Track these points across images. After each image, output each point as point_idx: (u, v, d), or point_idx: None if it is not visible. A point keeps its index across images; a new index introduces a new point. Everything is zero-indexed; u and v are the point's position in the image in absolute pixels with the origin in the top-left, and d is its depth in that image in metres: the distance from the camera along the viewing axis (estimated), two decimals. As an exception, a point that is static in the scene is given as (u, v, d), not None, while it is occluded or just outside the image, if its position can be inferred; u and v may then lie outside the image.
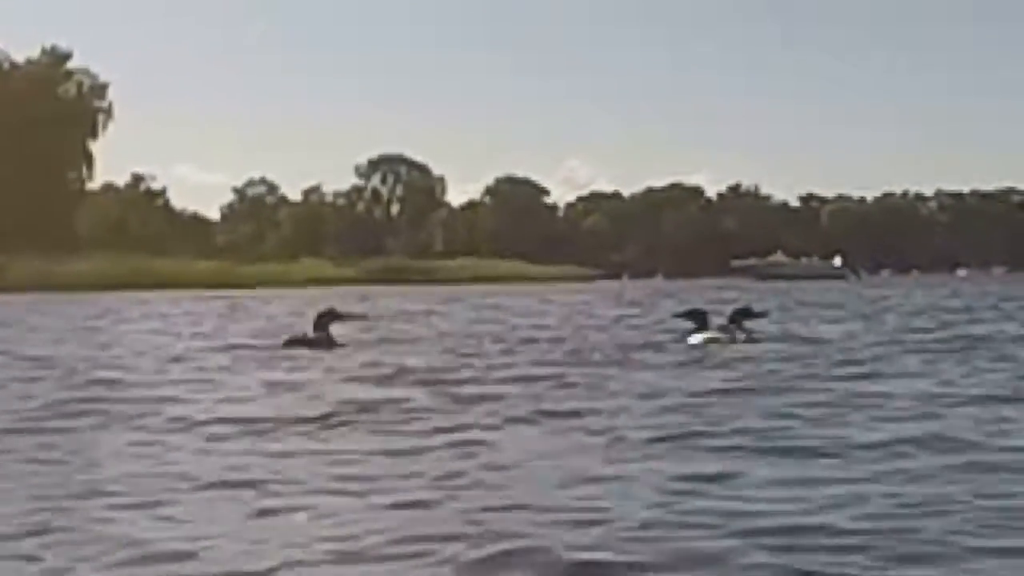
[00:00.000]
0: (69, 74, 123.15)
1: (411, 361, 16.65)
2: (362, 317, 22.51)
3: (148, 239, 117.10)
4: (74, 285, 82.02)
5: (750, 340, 19.07)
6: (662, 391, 12.34)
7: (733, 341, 18.81)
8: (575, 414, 10.61)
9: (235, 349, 20.30)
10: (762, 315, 20.83)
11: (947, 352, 17.39)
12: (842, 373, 14.23)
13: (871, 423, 9.86)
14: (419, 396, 12.27)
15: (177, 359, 18.39)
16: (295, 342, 19.54)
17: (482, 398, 11.94)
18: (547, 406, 11.22)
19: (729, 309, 20.86)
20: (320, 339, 19.35)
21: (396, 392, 12.69)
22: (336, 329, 19.88)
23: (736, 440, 8.96)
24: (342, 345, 19.50)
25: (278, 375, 15.16)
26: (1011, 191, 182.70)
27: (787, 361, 16.01)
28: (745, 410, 10.77)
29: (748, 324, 19.78)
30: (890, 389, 12.26)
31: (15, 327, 31.45)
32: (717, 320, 20.01)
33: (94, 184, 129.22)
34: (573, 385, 13.22)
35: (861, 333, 22.70)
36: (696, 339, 18.92)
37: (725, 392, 12.23)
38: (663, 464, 8.01)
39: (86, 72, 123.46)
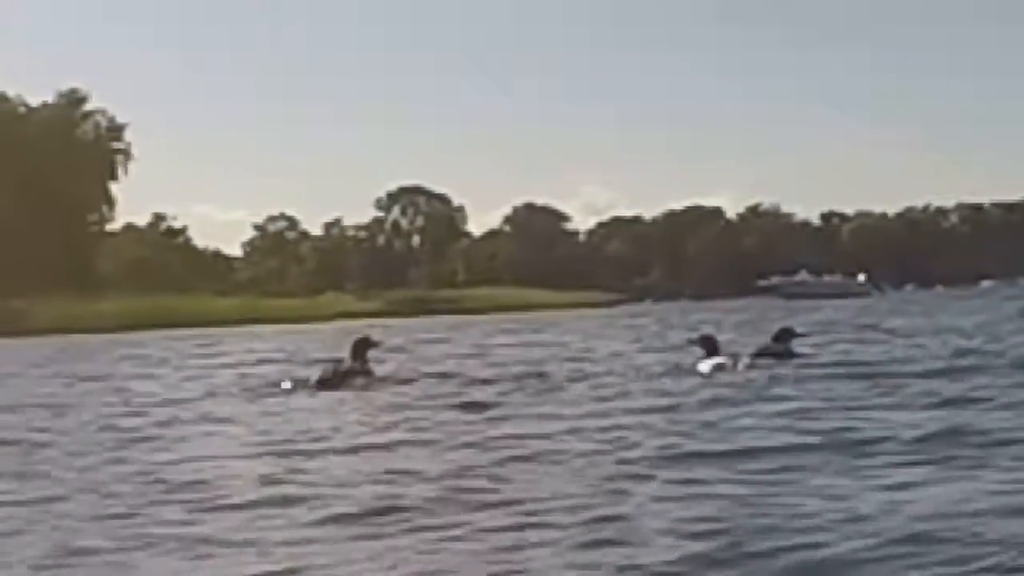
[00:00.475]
0: (87, 116, 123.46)
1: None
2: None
3: (170, 278, 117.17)
4: (97, 327, 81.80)
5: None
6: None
7: (735, 368, 18.59)
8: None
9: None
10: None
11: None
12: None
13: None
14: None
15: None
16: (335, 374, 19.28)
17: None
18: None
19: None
20: (358, 368, 19.31)
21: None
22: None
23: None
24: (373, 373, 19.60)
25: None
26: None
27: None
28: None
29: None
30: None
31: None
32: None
33: (115, 225, 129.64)
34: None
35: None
36: (705, 366, 18.74)
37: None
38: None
39: (103, 113, 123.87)
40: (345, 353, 19.97)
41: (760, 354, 19.42)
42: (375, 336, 21.28)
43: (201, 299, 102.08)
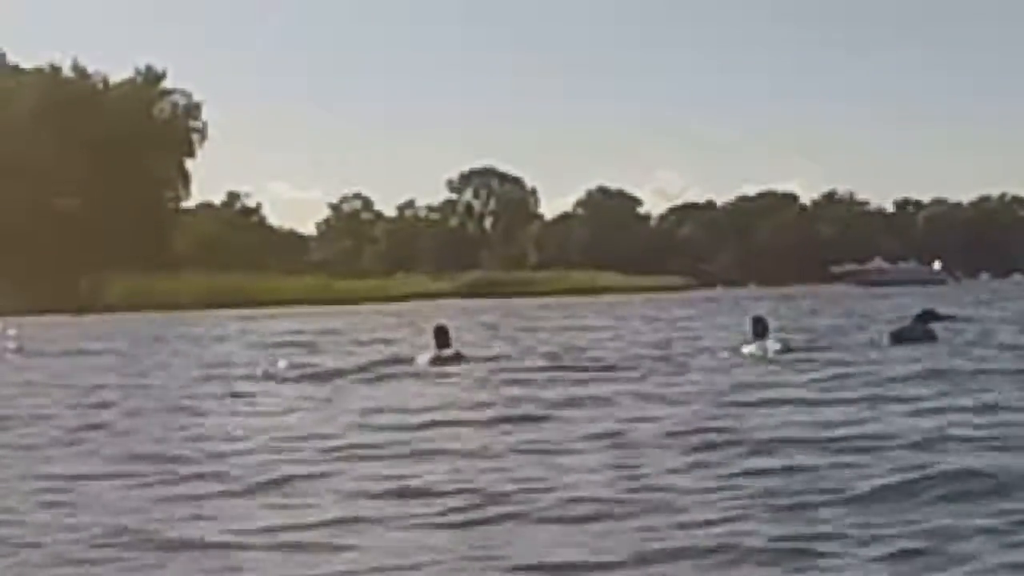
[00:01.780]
0: (164, 93, 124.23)
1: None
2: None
3: (244, 256, 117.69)
4: (171, 304, 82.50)
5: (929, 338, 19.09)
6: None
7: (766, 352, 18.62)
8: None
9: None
10: (950, 318, 20.74)
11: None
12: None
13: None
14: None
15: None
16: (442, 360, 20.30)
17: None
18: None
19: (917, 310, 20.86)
20: (458, 353, 20.50)
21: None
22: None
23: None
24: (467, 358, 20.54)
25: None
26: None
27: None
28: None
29: (934, 325, 19.71)
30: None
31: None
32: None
33: (190, 203, 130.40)
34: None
35: None
36: (748, 349, 18.80)
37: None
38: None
39: (180, 91, 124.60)
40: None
41: (900, 336, 19.37)
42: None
43: (274, 278, 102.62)
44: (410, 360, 20.70)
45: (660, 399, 13.69)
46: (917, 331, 19.75)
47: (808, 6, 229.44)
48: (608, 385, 15.69)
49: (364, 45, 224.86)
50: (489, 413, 13.01)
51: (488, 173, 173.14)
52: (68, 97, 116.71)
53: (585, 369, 17.67)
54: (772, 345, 19.04)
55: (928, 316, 20.12)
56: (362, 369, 20.03)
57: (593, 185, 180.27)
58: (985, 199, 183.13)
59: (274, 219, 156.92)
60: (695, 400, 13.45)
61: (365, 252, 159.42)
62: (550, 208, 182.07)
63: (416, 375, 18.69)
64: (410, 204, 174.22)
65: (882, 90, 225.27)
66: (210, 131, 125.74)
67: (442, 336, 20.48)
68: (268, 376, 19.61)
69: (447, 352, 20.25)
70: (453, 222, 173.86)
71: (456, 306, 72.58)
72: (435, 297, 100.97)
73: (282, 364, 21.06)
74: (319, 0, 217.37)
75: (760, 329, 19.66)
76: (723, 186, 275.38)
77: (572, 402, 13.64)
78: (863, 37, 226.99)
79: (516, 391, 15.27)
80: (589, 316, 44.35)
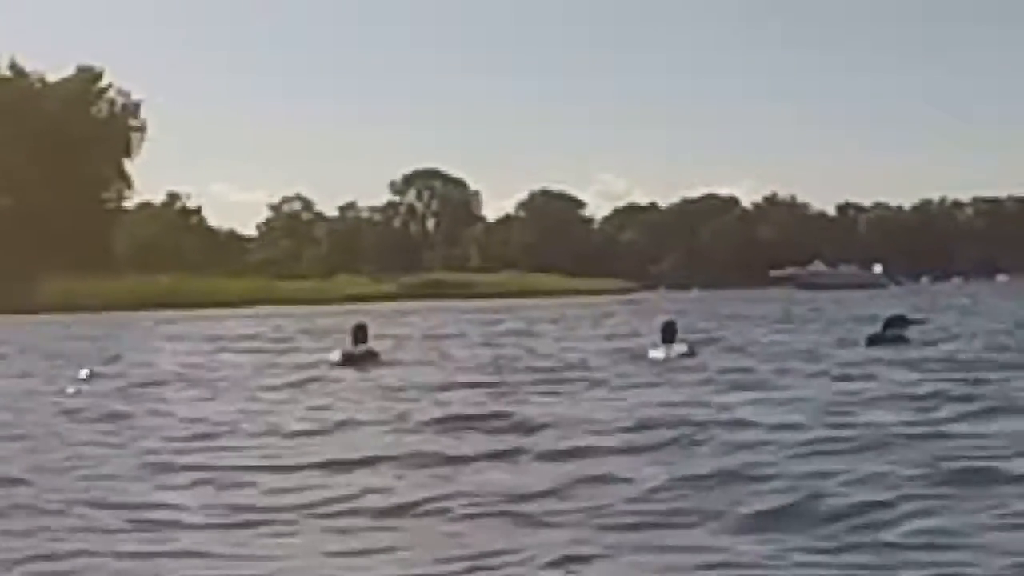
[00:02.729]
0: (102, 92, 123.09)
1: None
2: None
3: (184, 257, 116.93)
4: (108, 305, 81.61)
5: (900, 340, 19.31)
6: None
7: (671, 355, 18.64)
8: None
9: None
10: (919, 322, 20.97)
11: None
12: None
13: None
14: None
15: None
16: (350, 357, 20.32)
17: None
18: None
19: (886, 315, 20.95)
20: (368, 351, 20.50)
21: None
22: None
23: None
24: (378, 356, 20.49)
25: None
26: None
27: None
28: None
29: (901, 331, 19.83)
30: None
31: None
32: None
33: (130, 203, 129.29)
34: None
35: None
36: (654, 353, 19.34)
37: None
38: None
39: (119, 91, 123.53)
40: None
41: (874, 340, 19.62)
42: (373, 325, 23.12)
43: (213, 280, 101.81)
44: (315, 364, 20.54)
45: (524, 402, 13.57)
46: (890, 335, 20.06)
47: (752, 10, 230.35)
48: (470, 391, 15.66)
49: (307, 46, 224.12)
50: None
51: (431, 175, 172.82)
52: (5, 96, 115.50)
53: (489, 376, 17.36)
54: (678, 348, 19.14)
55: (898, 321, 20.28)
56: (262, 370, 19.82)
57: (536, 187, 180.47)
58: (926, 203, 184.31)
59: (216, 220, 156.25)
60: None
61: (306, 253, 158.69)
62: (493, 210, 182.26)
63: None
64: (352, 205, 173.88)
65: (824, 94, 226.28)
66: (152, 132, 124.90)
67: (360, 334, 20.61)
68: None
69: (360, 349, 20.31)
70: (396, 223, 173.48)
71: (395, 308, 72.17)
72: (376, 299, 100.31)
73: (83, 373, 20.72)
74: (262, 4, 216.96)
75: (669, 333, 19.45)
76: (666, 189, 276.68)
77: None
78: (805, 40, 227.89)
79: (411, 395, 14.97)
80: (509, 320, 43.90)
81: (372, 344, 21.29)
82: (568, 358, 20.88)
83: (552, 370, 18.49)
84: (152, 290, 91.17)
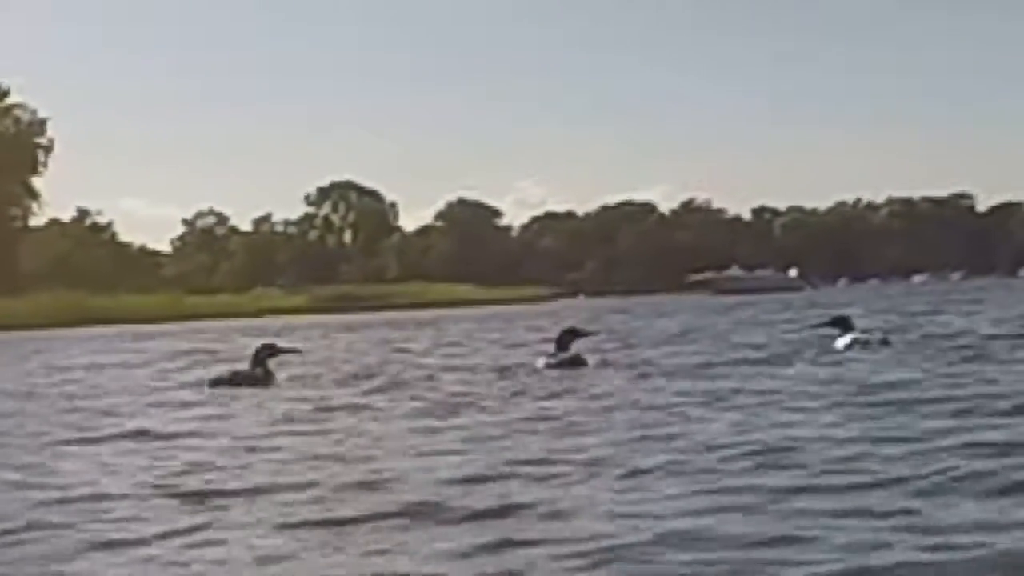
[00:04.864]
0: (7, 110, 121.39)
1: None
2: (297, 351, 21.64)
3: (95, 274, 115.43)
4: (16, 324, 79.94)
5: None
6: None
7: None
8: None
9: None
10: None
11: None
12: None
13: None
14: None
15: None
16: (231, 379, 18.82)
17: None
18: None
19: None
20: (257, 375, 18.78)
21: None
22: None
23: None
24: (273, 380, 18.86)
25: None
26: (961, 196, 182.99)
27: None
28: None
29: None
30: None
31: None
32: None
33: (39, 220, 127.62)
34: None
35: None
36: (540, 361, 18.61)
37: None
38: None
39: (25, 108, 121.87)
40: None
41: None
42: (282, 343, 20.91)
43: (123, 296, 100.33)
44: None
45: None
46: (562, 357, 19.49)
47: (664, 14, 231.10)
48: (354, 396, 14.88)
49: (217, 59, 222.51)
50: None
51: (346, 187, 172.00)
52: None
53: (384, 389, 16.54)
54: (563, 356, 18.44)
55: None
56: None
57: (453, 197, 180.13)
58: (841, 205, 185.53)
59: (130, 236, 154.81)
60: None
61: (221, 268, 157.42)
62: (411, 220, 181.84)
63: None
64: (266, 219, 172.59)
65: (738, 97, 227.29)
66: (64, 148, 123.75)
67: (263, 353, 19.48)
68: None
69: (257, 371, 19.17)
70: (312, 236, 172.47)
71: (307, 322, 71.21)
72: (290, 312, 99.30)
73: None
74: (169, 15, 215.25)
75: (566, 341, 18.95)
76: (584, 196, 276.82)
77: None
78: (717, 45, 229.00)
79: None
80: (418, 333, 43.01)
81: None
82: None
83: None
84: (59, 307, 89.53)
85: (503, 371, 18.48)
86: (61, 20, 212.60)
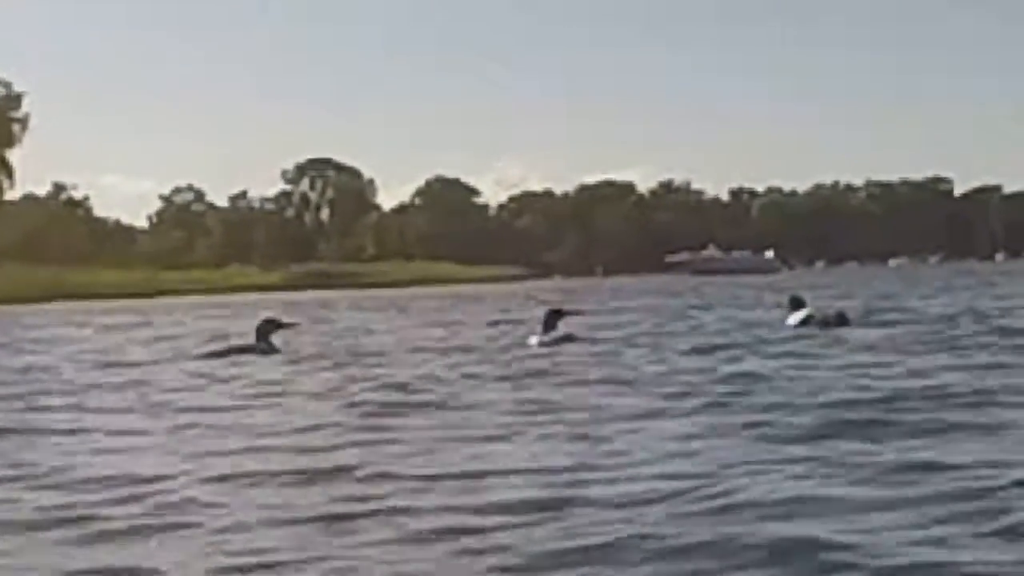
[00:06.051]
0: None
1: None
2: (296, 325, 21.98)
3: (70, 249, 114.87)
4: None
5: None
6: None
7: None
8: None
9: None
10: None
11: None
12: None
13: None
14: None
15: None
16: (237, 350, 19.51)
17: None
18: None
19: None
20: (261, 347, 19.35)
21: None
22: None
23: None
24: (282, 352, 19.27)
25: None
26: (939, 179, 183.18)
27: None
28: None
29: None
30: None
31: None
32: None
33: (14, 195, 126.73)
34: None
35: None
36: (533, 339, 18.99)
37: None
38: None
39: (0, 82, 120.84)
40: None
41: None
42: (285, 318, 21.56)
43: (97, 271, 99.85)
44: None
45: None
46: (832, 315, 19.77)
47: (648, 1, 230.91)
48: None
49: (196, 35, 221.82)
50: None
51: (324, 163, 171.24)
52: None
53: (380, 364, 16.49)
54: (555, 335, 18.78)
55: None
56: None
57: (432, 175, 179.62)
58: (819, 187, 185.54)
59: (108, 212, 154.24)
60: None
61: (198, 244, 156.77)
62: (390, 198, 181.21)
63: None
64: (243, 195, 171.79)
65: (716, 79, 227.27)
66: (41, 122, 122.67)
67: (267, 327, 19.86)
68: None
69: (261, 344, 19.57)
70: (289, 213, 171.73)
71: (281, 300, 70.92)
72: (265, 289, 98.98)
73: None
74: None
75: (552, 321, 19.27)
76: (564, 175, 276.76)
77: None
78: (695, 28, 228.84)
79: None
80: (393, 310, 42.79)
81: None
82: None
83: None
84: (32, 282, 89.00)
85: (503, 349, 18.67)
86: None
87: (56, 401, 13.03)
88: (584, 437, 8.56)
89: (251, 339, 19.80)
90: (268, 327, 19.83)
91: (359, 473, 7.46)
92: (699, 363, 14.01)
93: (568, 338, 18.89)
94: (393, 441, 8.85)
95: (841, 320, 19.51)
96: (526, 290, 75.67)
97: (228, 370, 16.20)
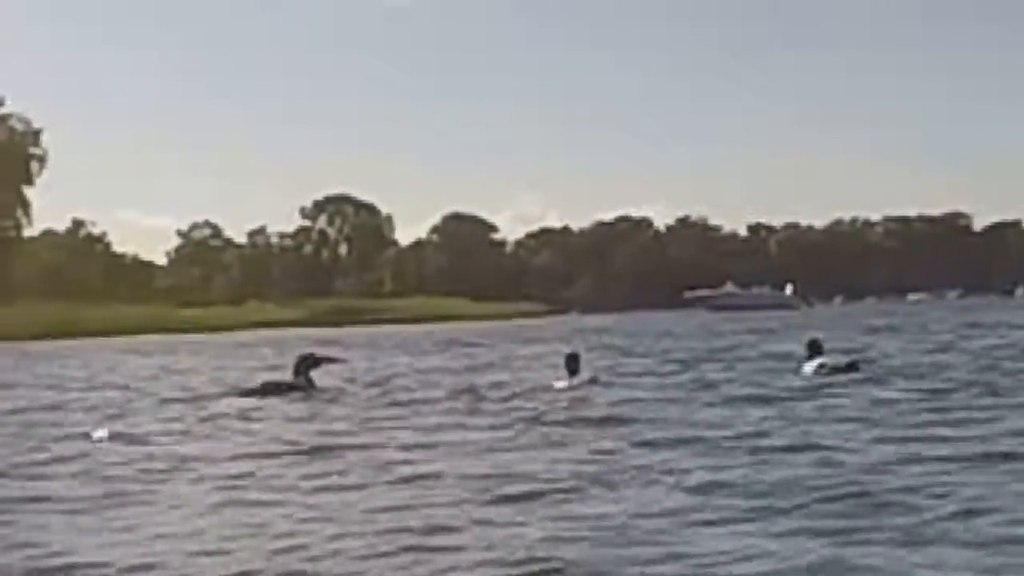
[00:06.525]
0: (1, 120, 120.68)
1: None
2: (340, 361, 22.58)
3: (89, 285, 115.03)
4: (2, 335, 79.38)
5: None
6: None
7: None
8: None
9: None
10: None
11: None
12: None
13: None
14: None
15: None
16: (273, 388, 19.64)
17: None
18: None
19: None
20: (300, 384, 19.52)
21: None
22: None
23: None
24: (321, 389, 19.50)
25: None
26: (958, 215, 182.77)
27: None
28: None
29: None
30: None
31: None
32: None
33: (33, 231, 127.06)
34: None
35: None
36: (559, 384, 18.95)
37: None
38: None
39: (19, 118, 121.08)
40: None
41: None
42: (320, 352, 21.97)
43: (113, 307, 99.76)
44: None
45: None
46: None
47: (658, 34, 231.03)
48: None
49: (212, 71, 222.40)
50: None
51: (342, 200, 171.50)
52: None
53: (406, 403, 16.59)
54: (583, 377, 18.98)
55: (308, 361, 20.26)
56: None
57: (449, 211, 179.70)
58: (837, 223, 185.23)
59: (125, 247, 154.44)
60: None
61: (216, 280, 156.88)
62: (405, 235, 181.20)
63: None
64: (261, 231, 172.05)
65: (731, 116, 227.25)
66: (58, 159, 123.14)
67: (303, 365, 20.03)
68: None
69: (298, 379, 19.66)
70: (307, 250, 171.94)
71: (299, 336, 70.89)
72: (284, 326, 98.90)
73: None
74: (164, 27, 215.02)
75: (573, 365, 19.34)
76: (581, 212, 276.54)
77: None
78: (712, 62, 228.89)
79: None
80: (401, 352, 42.50)
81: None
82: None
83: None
84: (51, 319, 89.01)
85: (530, 391, 18.78)
86: (59, 30, 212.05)
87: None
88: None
89: (288, 375, 20.00)
90: (306, 363, 19.86)
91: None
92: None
93: (593, 381, 19.07)
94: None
95: (852, 367, 19.76)
96: (544, 325, 75.67)
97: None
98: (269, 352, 43.28)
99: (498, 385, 20.30)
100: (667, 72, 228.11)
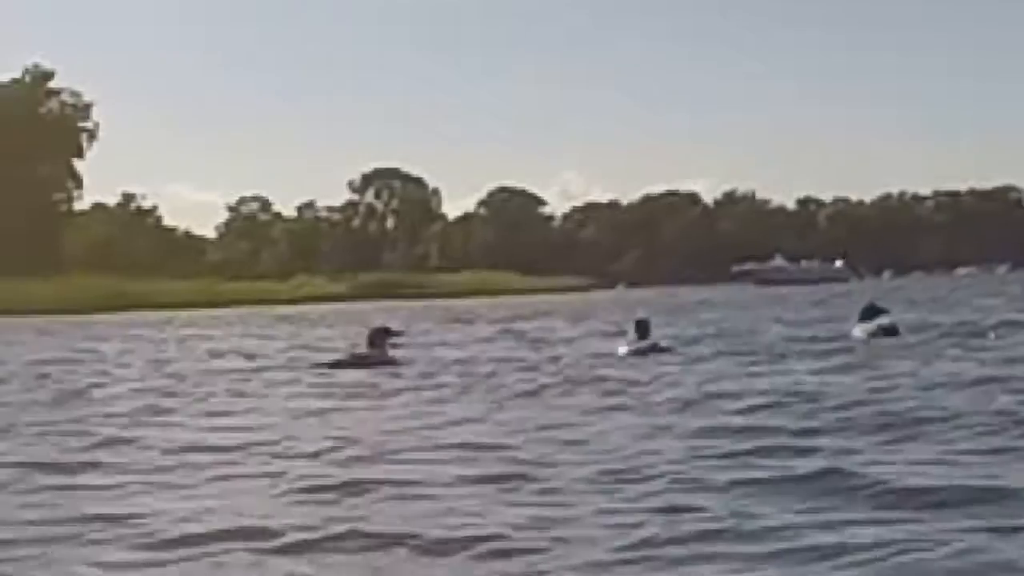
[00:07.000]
0: (52, 93, 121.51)
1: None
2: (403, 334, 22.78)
3: (139, 259, 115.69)
4: (57, 308, 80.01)
5: None
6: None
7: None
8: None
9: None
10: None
11: None
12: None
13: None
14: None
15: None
16: (360, 359, 20.02)
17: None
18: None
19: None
20: (376, 356, 19.95)
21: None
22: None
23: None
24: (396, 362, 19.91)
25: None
26: (1009, 188, 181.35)
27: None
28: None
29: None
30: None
31: None
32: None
33: (83, 204, 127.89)
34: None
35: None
36: (623, 349, 19.87)
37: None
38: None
39: (70, 91, 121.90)
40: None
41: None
42: (395, 326, 22.63)
43: (162, 281, 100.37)
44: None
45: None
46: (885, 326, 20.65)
47: (719, 4, 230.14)
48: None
49: (260, 45, 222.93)
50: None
51: (390, 173, 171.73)
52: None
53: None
54: (648, 342, 19.90)
55: (872, 311, 20.70)
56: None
57: (496, 185, 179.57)
58: (886, 197, 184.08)
59: (174, 221, 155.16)
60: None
61: (264, 254, 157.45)
62: (453, 208, 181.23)
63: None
64: (310, 205, 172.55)
65: (783, 89, 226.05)
66: (108, 132, 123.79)
67: (378, 337, 20.27)
68: None
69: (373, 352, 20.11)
70: (355, 223, 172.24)
71: (343, 310, 71.17)
72: (330, 300, 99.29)
73: None
74: (215, 2, 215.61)
75: (643, 330, 20.16)
76: (628, 186, 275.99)
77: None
78: (762, 37, 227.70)
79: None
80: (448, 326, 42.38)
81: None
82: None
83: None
84: (99, 292, 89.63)
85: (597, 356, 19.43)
86: (110, 5, 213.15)
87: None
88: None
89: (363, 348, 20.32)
90: (380, 335, 20.28)
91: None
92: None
93: (655, 347, 19.57)
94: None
95: (890, 331, 20.44)
96: (588, 300, 75.61)
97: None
98: (325, 327, 43.43)
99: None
100: (710, 48, 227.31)
